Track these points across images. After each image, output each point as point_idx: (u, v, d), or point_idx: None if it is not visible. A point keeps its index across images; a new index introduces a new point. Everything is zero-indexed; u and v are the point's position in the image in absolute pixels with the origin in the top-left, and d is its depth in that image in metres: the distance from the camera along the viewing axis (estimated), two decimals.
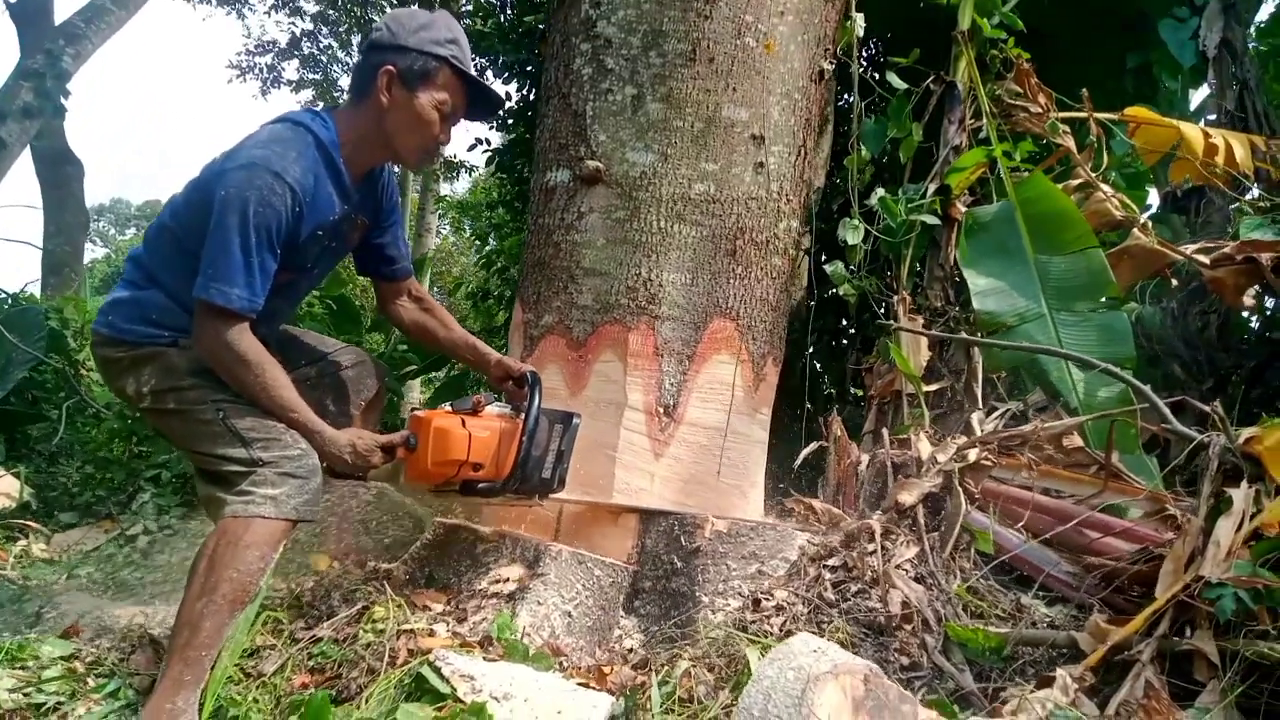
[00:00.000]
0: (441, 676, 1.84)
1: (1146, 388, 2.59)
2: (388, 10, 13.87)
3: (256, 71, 15.29)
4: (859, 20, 3.49)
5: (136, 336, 2.09)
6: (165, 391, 2.08)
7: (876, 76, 3.72)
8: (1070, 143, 3.68)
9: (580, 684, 1.96)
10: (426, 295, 2.61)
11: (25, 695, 1.94)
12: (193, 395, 2.06)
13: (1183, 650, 1.93)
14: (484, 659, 1.99)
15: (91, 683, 2.04)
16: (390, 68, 2.10)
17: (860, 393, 5.23)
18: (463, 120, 2.29)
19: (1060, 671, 1.88)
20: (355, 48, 14.86)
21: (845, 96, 5.03)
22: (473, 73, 2.20)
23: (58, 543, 3.69)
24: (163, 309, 2.10)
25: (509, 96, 6.76)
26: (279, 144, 2.02)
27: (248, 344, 2.00)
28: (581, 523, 2.65)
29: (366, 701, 1.87)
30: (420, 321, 2.57)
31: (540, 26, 6.19)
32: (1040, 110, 3.65)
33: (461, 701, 1.78)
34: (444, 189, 16.44)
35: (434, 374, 6.28)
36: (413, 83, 2.12)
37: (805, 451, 3.19)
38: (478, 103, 2.26)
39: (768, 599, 2.34)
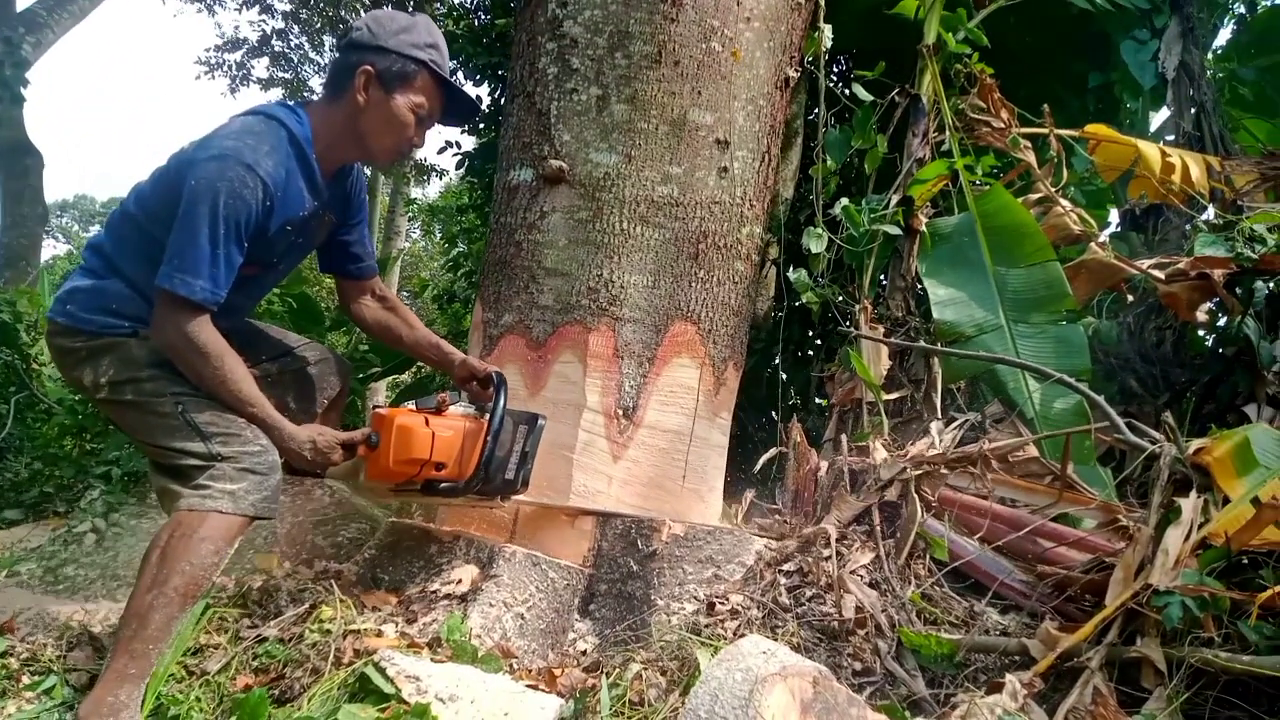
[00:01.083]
0: (386, 677, 1.81)
1: (1100, 399, 2.63)
2: (360, 10, 13.78)
3: (226, 68, 15.09)
4: (827, 32, 3.51)
5: (95, 326, 2.05)
6: (123, 383, 2.04)
7: (846, 91, 3.75)
8: (1031, 158, 3.74)
9: (529, 686, 1.93)
10: (390, 295, 2.58)
11: None
12: (151, 387, 2.02)
13: (1131, 657, 1.95)
14: (431, 660, 1.95)
15: (25, 680, 1.98)
16: (369, 68, 2.10)
17: (824, 401, 5.26)
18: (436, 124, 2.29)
19: (1009, 677, 1.88)
20: (327, 47, 14.73)
21: (814, 109, 5.07)
22: (450, 78, 2.20)
23: (1, 539, 3.59)
24: (123, 298, 2.06)
25: (480, 99, 6.71)
26: (252, 136, 1.99)
27: (208, 336, 1.96)
28: (537, 524, 2.63)
29: (309, 701, 1.83)
30: (383, 321, 2.54)
31: (513, 29, 6.17)
32: (1002, 125, 3.70)
33: (405, 703, 1.75)
34: (414, 192, 16.34)
35: (398, 376, 6.23)
36: (390, 84, 2.12)
37: (764, 457, 3.19)
38: (453, 108, 2.26)
39: (723, 603, 2.33)
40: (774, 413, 4.92)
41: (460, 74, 6.94)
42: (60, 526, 3.77)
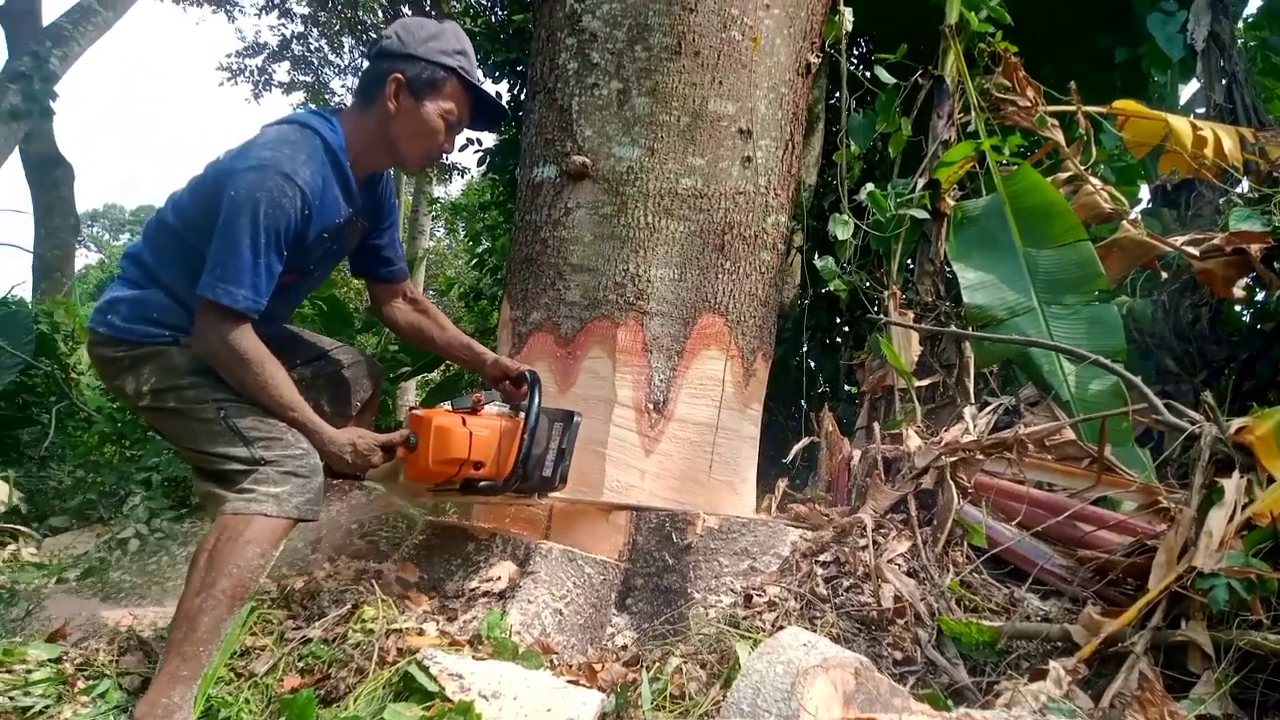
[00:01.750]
0: (429, 675, 1.82)
1: (1138, 379, 2.59)
2: (378, 12, 13.85)
3: (248, 74, 15.23)
4: (847, 15, 3.49)
5: (137, 336, 2.08)
6: (165, 390, 2.07)
7: (868, 74, 3.71)
8: (1059, 136, 3.69)
9: (570, 681, 1.94)
10: (421, 297, 2.60)
11: (10, 699, 1.91)
12: (193, 394, 2.05)
13: (1176, 641, 1.93)
14: (473, 657, 1.97)
15: (80, 684, 2.02)
16: (399, 75, 2.12)
17: (853, 389, 5.24)
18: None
19: (1053, 664, 1.87)
20: (346, 49, 14.82)
21: (835, 94, 5.03)
22: (479, 84, 2.22)
23: (48, 546, 3.67)
24: (163, 307, 2.09)
25: (500, 96, 6.73)
26: (288, 146, 2.01)
27: (250, 343, 1.99)
28: (572, 520, 2.64)
29: (355, 701, 1.85)
30: (415, 323, 2.56)
31: (530, 26, 6.17)
32: (1029, 104, 3.65)
33: (449, 700, 1.77)
34: (437, 191, 16.43)
35: (428, 375, 6.27)
36: (420, 91, 2.14)
37: (797, 447, 3.18)
38: (481, 112, 2.28)
39: (760, 595, 2.33)
40: (802, 402, 4.91)
41: (479, 71, 6.96)
42: (104, 532, 3.85)
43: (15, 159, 11.18)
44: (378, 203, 2.37)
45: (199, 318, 1.99)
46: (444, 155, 2.29)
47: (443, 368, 6.11)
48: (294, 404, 2.05)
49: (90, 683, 2.05)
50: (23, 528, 3.71)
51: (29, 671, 2.04)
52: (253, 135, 2.10)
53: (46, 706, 1.92)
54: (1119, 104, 3.84)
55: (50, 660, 2.11)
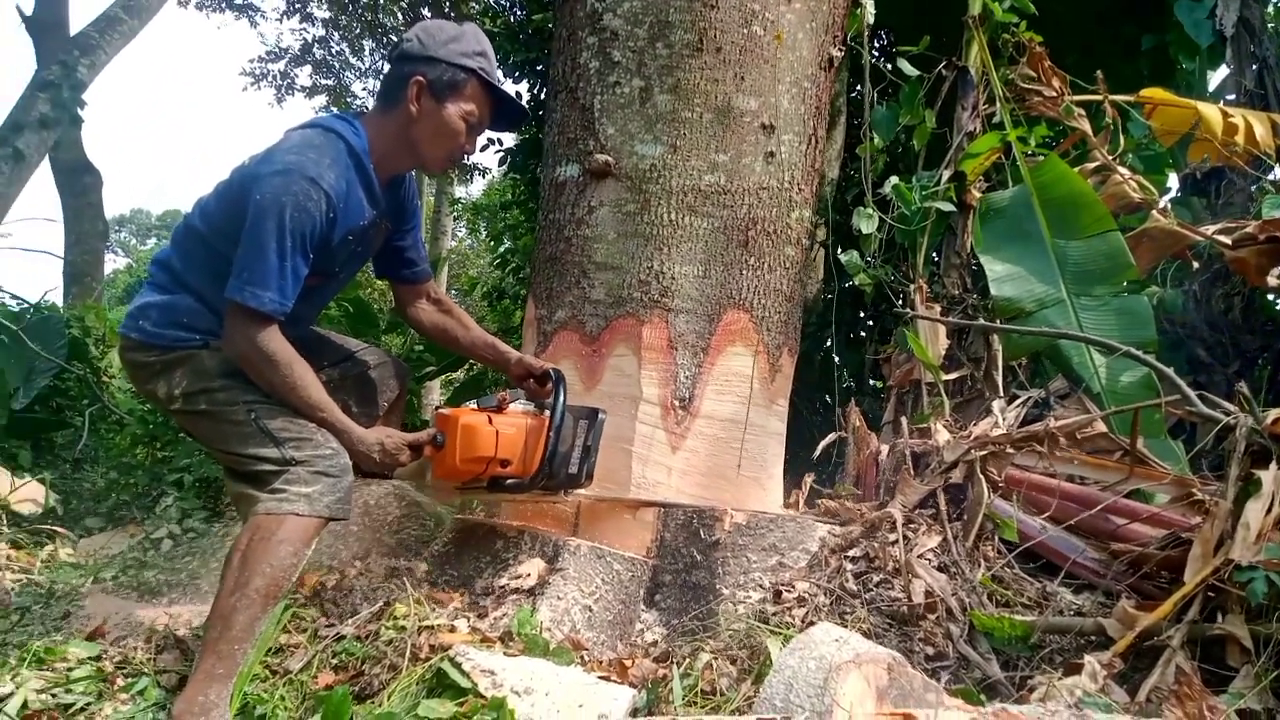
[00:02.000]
0: (462, 672, 1.83)
1: (1170, 371, 2.55)
2: (398, 15, 13.93)
3: (270, 78, 15.39)
4: (869, 7, 3.46)
5: (167, 340, 2.11)
6: (197, 393, 2.10)
7: (889, 66, 3.69)
8: (1086, 126, 3.64)
9: (601, 677, 1.95)
10: (445, 297, 2.62)
11: (53, 696, 1.95)
12: (224, 396, 2.08)
13: (1214, 635, 1.90)
14: (504, 654, 1.98)
15: (119, 682, 2.06)
16: (420, 78, 2.13)
17: (879, 384, 5.21)
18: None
19: (1089, 658, 1.85)
20: (367, 51, 14.92)
21: (856, 87, 5.01)
22: (499, 85, 2.23)
23: (84, 547, 3.73)
24: (192, 312, 2.11)
25: (519, 96, 6.76)
26: (313, 150, 2.03)
27: (277, 345, 2.02)
28: (599, 517, 2.65)
29: (389, 698, 1.87)
30: (439, 323, 2.58)
31: (550, 25, 6.18)
32: (1054, 94, 3.61)
33: (482, 696, 1.78)
34: (458, 191, 16.50)
35: (452, 374, 6.31)
36: (441, 93, 2.15)
37: (824, 443, 3.17)
38: (502, 113, 2.30)
39: (789, 590, 2.33)
40: (827, 396, 4.89)
41: (499, 71, 6.98)
42: (138, 533, 3.90)
43: (45, 166, 11.36)
44: (400, 204, 2.39)
45: (228, 321, 2.02)
46: (465, 157, 2.30)
47: (466, 367, 6.14)
48: (323, 404, 2.08)
49: (129, 680, 2.09)
50: (59, 529, 3.77)
51: (70, 669, 2.08)
52: (277, 140, 2.12)
53: (88, 703, 1.96)
54: (1147, 92, 3.79)
55: (90, 658, 2.15)
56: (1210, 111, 3.65)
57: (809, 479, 3.16)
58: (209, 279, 2.09)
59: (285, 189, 1.94)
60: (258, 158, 2.08)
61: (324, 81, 15.48)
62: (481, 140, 2.84)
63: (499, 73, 2.26)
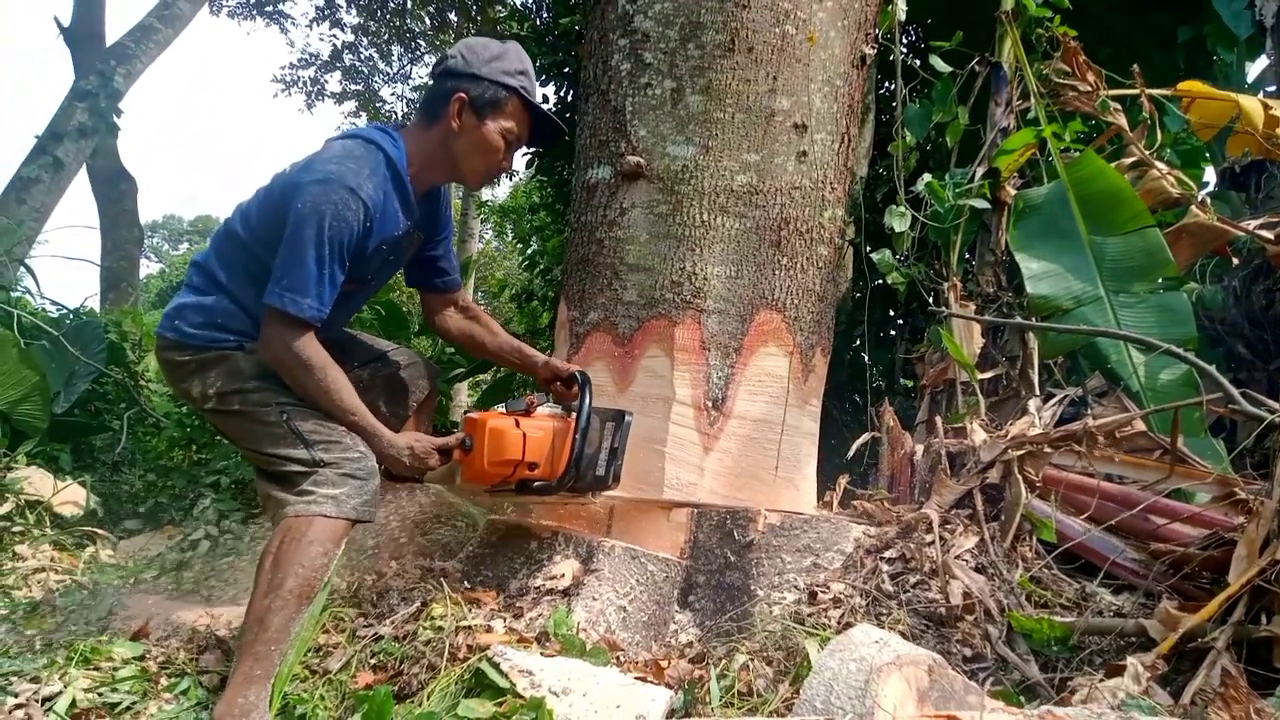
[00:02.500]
0: (500, 672, 1.85)
1: (1212, 368, 2.51)
2: (425, 20, 14.03)
3: (301, 85, 15.57)
4: (900, 3, 3.44)
5: (203, 341, 2.15)
6: (230, 394, 2.14)
7: (918, 62, 3.66)
8: (1122, 121, 3.59)
9: (638, 678, 1.95)
10: (472, 304, 2.66)
11: (100, 695, 1.99)
12: (257, 398, 2.12)
13: (1260, 637, 1.87)
14: (541, 654, 1.99)
15: (163, 682, 2.09)
16: (462, 95, 2.18)
17: (910, 383, 5.17)
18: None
19: (1131, 660, 1.83)
20: (395, 57, 15.05)
21: (885, 84, 4.97)
22: (539, 103, 2.28)
23: (124, 548, 3.80)
24: (229, 314, 2.16)
25: (546, 99, 6.79)
26: (353, 160, 2.07)
27: (313, 350, 2.06)
28: (633, 518, 2.65)
29: (428, 698, 1.88)
30: (466, 330, 2.61)
31: (577, 28, 6.21)
32: (1090, 88, 3.56)
33: (521, 696, 1.79)
34: (485, 194, 16.59)
35: (481, 376, 6.34)
36: (483, 110, 2.20)
37: (858, 443, 3.15)
38: (541, 131, 2.34)
39: (824, 591, 2.32)
40: (857, 396, 4.86)
41: (540, 92, 7.01)
42: (176, 534, 3.97)
43: (81, 174, 11.57)
44: (434, 216, 2.43)
45: (265, 325, 2.06)
46: (502, 173, 2.34)
47: (494, 369, 6.18)
48: (355, 409, 2.11)
49: (172, 680, 2.12)
50: (99, 530, 3.84)
51: (115, 669, 2.12)
52: (318, 149, 2.17)
53: (133, 703, 1.99)
54: (1184, 85, 3.72)
55: (134, 658, 2.18)
56: (1251, 104, 3.58)
57: (843, 480, 3.14)
58: (246, 282, 2.13)
59: (325, 198, 1.99)
60: (299, 166, 2.12)
61: (353, 87, 15.64)
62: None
63: (539, 91, 2.31)
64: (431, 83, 2.31)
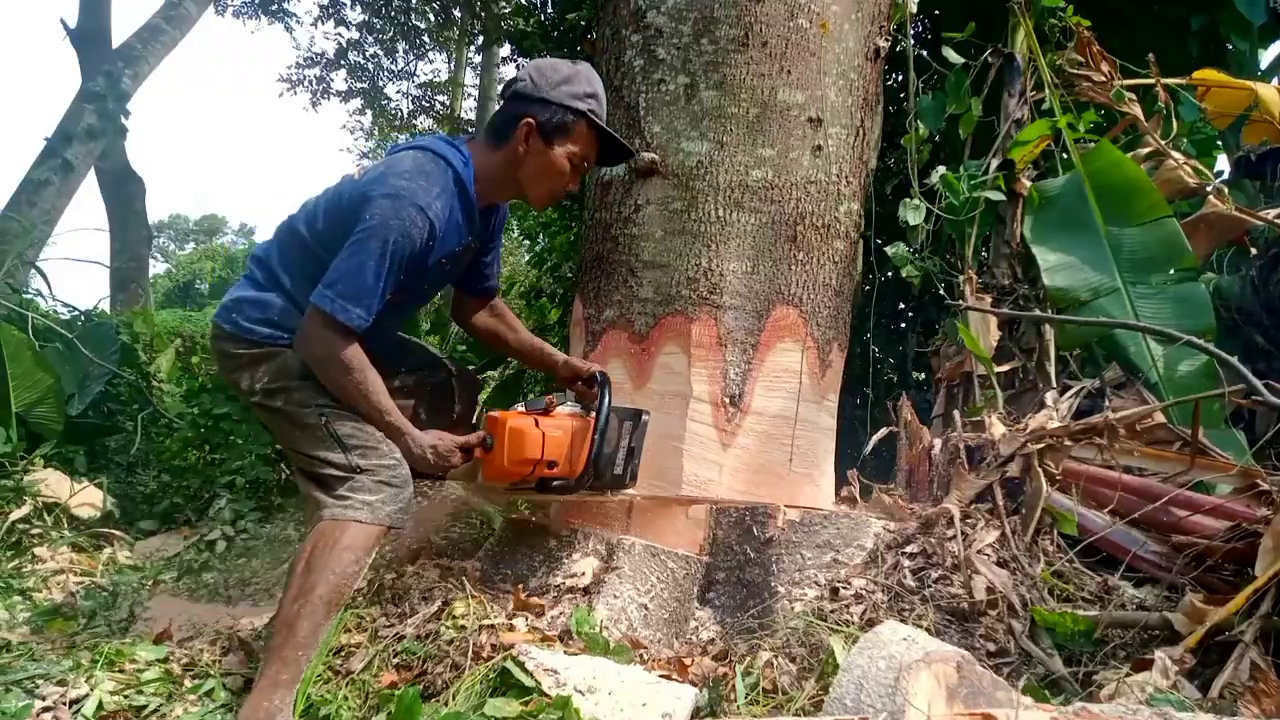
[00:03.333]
0: (526, 671, 1.85)
1: (1234, 359, 2.49)
2: (430, 17, 14.02)
3: (306, 83, 15.60)
4: None
5: (258, 336, 2.17)
6: (276, 391, 2.16)
7: (924, 53, 3.63)
8: (1137, 111, 3.56)
9: (662, 676, 1.95)
10: (500, 302, 2.66)
11: (126, 698, 2.00)
12: (299, 397, 2.14)
13: None
14: (565, 653, 1.99)
15: (188, 684, 2.10)
16: (530, 120, 2.18)
17: (921, 376, 5.15)
18: None
19: (1159, 654, 1.82)
20: (400, 55, 15.05)
21: (893, 74, 4.94)
22: (607, 127, 2.27)
23: (140, 549, 3.81)
24: (284, 312, 2.18)
25: None
26: (424, 177, 2.08)
27: (353, 354, 2.07)
28: (652, 515, 2.65)
29: (454, 697, 1.89)
30: (491, 327, 2.63)
31: (582, 24, 6.18)
32: (1104, 79, 3.54)
33: (546, 695, 1.79)
34: None
35: (489, 374, 6.34)
36: (551, 135, 2.20)
37: (875, 438, 3.14)
38: (608, 154, 2.34)
39: (846, 587, 2.31)
40: (865, 389, 4.84)
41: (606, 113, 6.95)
42: (192, 535, 3.99)
43: (90, 176, 11.61)
44: (492, 227, 2.45)
45: (308, 322, 2.06)
46: (567, 195, 2.34)
47: (502, 367, 6.18)
48: (388, 408, 2.13)
49: (196, 682, 2.13)
50: (116, 532, 3.86)
51: (140, 671, 2.13)
52: (389, 159, 2.18)
53: (159, 705, 2.00)
54: (1200, 74, 3.70)
55: (158, 660, 2.20)
56: (1268, 92, 3.55)
57: (852, 474, 3.13)
58: (304, 283, 2.14)
59: (395, 213, 2.01)
60: (371, 176, 2.12)
61: (358, 85, 15.65)
62: None
63: (607, 114, 2.30)
64: (501, 103, 2.31)
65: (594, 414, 2.32)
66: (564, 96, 2.19)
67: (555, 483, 2.28)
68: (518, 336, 2.62)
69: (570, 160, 2.23)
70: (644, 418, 2.46)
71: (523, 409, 2.31)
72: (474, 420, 2.67)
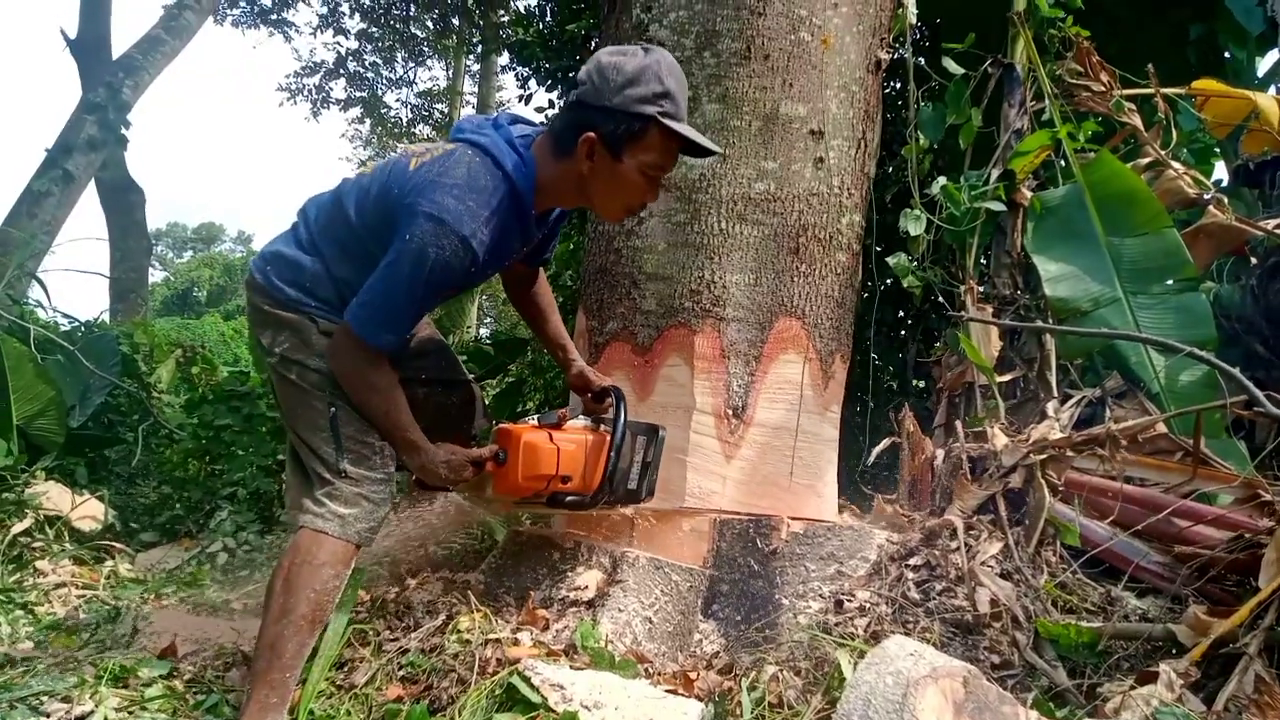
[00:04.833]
0: (532, 686, 1.85)
1: (1235, 370, 2.50)
2: (429, 25, 14.05)
3: (306, 93, 15.64)
4: (911, 5, 3.44)
5: (284, 296, 2.08)
6: (293, 361, 2.07)
7: (922, 63, 3.65)
8: (1137, 121, 3.58)
9: (668, 690, 1.95)
10: (543, 281, 2.55)
11: (131, 714, 1.99)
12: (315, 379, 2.06)
13: None
14: (570, 667, 1.99)
15: (191, 700, 2.10)
16: (592, 135, 1.94)
17: (920, 385, 5.16)
18: None
19: (1164, 667, 1.82)
20: (399, 63, 15.10)
21: (892, 84, 4.96)
22: (685, 126, 2.00)
23: (141, 561, 3.81)
24: (316, 277, 2.08)
25: (551, 105, 6.78)
26: (475, 195, 1.91)
27: (380, 376, 2.01)
28: (655, 528, 2.65)
29: (460, 712, 1.89)
30: (532, 309, 2.53)
31: (582, 33, 6.20)
32: (1103, 89, 3.55)
33: (553, 711, 1.79)
34: None
35: (487, 382, 6.34)
36: (617, 147, 1.96)
37: (877, 449, 3.15)
38: (691, 152, 2.10)
39: (850, 600, 2.31)
40: (866, 397, 4.84)
41: (533, 80, 7.01)
42: (193, 547, 3.98)
43: (90, 186, 11.63)
44: (551, 227, 2.34)
45: (338, 338, 2.00)
46: (645, 207, 2.17)
47: (499, 377, 6.18)
48: (407, 425, 2.07)
49: (200, 698, 2.13)
50: (117, 544, 3.85)
51: (144, 686, 2.13)
52: (443, 161, 1.97)
53: None
54: (1199, 83, 3.72)
55: (162, 676, 2.19)
56: (1267, 102, 3.57)
57: (845, 484, 3.13)
58: (340, 255, 2.07)
59: (436, 241, 1.86)
60: (421, 177, 1.95)
61: (358, 94, 15.69)
62: None
63: (684, 108, 2.03)
64: (564, 110, 2.08)
65: (610, 431, 2.26)
66: (629, 102, 1.92)
67: (568, 498, 2.23)
68: (547, 325, 2.52)
69: (644, 172, 1.99)
70: (661, 433, 2.41)
71: (534, 422, 2.28)
72: (473, 430, 2.61)
